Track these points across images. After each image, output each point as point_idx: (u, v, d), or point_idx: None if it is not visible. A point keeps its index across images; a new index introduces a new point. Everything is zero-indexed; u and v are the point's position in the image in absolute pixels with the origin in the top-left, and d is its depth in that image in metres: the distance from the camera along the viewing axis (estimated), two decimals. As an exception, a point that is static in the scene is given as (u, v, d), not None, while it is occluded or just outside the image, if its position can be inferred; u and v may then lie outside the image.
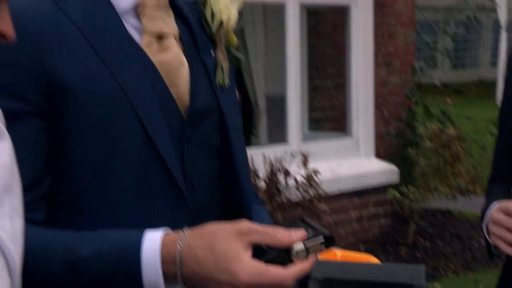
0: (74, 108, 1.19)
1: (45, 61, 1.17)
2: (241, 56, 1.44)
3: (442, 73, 16.37)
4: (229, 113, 1.37)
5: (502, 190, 1.89)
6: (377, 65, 6.61)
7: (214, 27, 1.38)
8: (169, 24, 1.30)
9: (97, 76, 1.20)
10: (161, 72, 1.27)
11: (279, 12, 5.82)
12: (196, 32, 1.36)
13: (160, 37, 1.28)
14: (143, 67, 1.24)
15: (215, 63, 1.37)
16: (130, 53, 1.24)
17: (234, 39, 1.41)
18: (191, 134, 1.31)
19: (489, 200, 1.84)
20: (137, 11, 1.27)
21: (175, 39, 1.31)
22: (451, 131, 6.12)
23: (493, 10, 11.95)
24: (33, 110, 1.18)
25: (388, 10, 6.88)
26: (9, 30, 0.94)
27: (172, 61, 1.28)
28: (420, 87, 6.91)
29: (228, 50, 1.40)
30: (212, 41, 1.38)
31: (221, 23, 1.38)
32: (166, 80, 1.27)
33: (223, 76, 1.37)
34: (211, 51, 1.37)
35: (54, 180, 1.22)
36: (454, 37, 7.62)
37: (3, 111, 0.99)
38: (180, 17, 1.35)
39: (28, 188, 1.12)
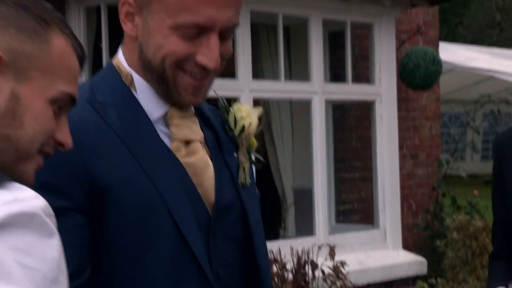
0: (114, 205, 1.32)
1: (87, 165, 1.31)
2: (261, 158, 1.57)
3: (472, 164, 16.37)
4: (250, 209, 1.50)
5: (501, 268, 2.03)
6: (403, 157, 6.68)
7: (236, 131, 1.53)
8: (194, 131, 1.44)
9: (134, 176, 1.34)
10: (189, 173, 1.40)
11: (305, 107, 5.97)
12: (220, 136, 1.51)
13: (187, 143, 1.42)
14: (174, 168, 1.38)
15: (238, 164, 1.51)
16: (162, 156, 1.38)
17: (254, 143, 1.55)
18: (216, 229, 1.43)
19: (489, 278, 1.99)
20: (166, 120, 1.42)
21: (200, 143, 1.44)
22: (478, 222, 6.10)
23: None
24: (76, 207, 1.30)
25: (412, 105, 7.01)
26: (68, 140, 1.12)
27: (198, 163, 1.42)
28: (447, 179, 6.94)
29: (249, 152, 1.54)
30: (234, 144, 1.53)
31: (243, 128, 1.52)
32: (193, 180, 1.40)
33: (245, 176, 1.50)
34: (234, 153, 1.52)
35: (94, 268, 1.33)
36: (478, 130, 7.67)
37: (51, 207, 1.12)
38: (206, 122, 1.51)
39: (72, 277, 1.20)
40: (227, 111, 1.53)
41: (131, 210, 1.32)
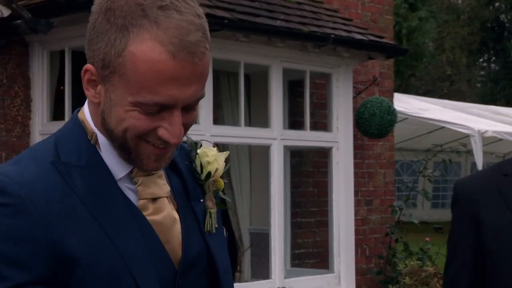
0: (81, 277, 1.27)
1: (53, 236, 1.26)
2: (228, 198, 1.54)
3: (423, 211, 16.53)
4: (217, 255, 1.45)
5: None
6: (358, 203, 6.71)
7: (202, 176, 1.48)
8: (161, 187, 1.40)
9: (99, 245, 1.29)
10: (156, 231, 1.36)
11: (264, 152, 5.98)
12: (187, 182, 1.46)
13: (154, 199, 1.38)
14: (140, 228, 1.34)
15: (204, 210, 1.46)
16: (127, 219, 1.34)
17: (221, 184, 1.51)
18: (183, 283, 1.39)
19: None
20: (131, 177, 1.38)
21: (167, 197, 1.41)
22: (430, 268, 6.12)
23: (469, 152, 12.28)
24: (37, 280, 1.24)
25: (368, 152, 7.07)
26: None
27: (164, 221, 1.38)
28: (400, 225, 6.98)
29: (216, 193, 1.50)
30: (201, 188, 1.48)
31: (209, 174, 1.48)
32: (161, 237, 1.36)
33: (211, 223, 1.45)
34: (201, 199, 1.47)
35: None
36: (430, 179, 7.76)
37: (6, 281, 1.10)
38: (173, 168, 1.46)
39: None
40: (195, 151, 1.50)
41: (97, 282, 1.28)
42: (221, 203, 1.51)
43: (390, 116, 6.48)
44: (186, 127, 1.33)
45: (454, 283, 2.09)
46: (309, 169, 6.74)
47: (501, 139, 12.00)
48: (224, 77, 6.37)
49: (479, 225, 2.03)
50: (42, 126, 5.36)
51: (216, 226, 1.47)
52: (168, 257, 1.37)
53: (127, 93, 1.27)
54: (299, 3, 6.16)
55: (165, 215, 1.39)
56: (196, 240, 1.43)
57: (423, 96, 15.04)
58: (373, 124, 6.40)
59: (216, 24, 4.98)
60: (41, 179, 1.29)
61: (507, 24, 27.76)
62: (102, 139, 1.37)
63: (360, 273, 6.43)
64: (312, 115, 6.21)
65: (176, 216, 1.41)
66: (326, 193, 6.28)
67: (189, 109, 1.31)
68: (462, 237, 2.09)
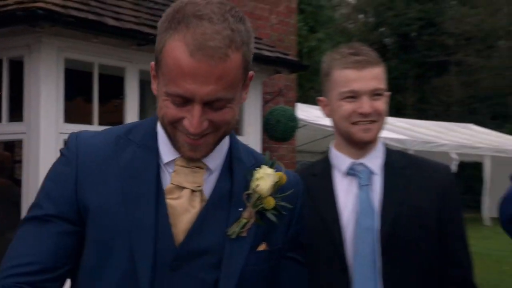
0: (90, 226, 1.39)
1: (79, 189, 1.40)
2: (274, 219, 1.45)
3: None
4: (228, 259, 1.40)
5: None
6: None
7: (249, 189, 1.45)
8: (189, 180, 1.42)
9: (112, 208, 1.38)
10: (169, 213, 1.40)
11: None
12: (238, 189, 1.44)
13: (180, 187, 1.41)
14: (156, 207, 1.39)
15: (239, 218, 1.43)
16: (150, 196, 1.39)
17: (269, 202, 1.45)
18: (181, 265, 1.38)
19: None
20: (174, 164, 1.44)
21: (195, 191, 1.42)
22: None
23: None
24: (63, 217, 1.40)
25: (273, 154, 7.19)
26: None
27: (178, 207, 1.40)
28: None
29: (261, 208, 1.44)
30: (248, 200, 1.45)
31: (253, 188, 1.45)
32: (171, 220, 1.39)
33: (236, 229, 1.41)
34: (241, 207, 1.43)
35: (72, 272, 1.42)
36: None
37: (42, 209, 1.39)
38: (229, 174, 1.46)
39: (45, 271, 1.37)
40: (259, 166, 1.48)
41: (99, 234, 1.37)
42: (261, 220, 1.44)
43: (293, 122, 6.61)
44: (218, 124, 1.35)
45: None
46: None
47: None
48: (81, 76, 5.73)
49: None
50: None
51: (245, 235, 1.42)
52: (171, 236, 1.38)
53: (163, 84, 1.34)
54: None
55: (180, 203, 1.40)
56: (210, 235, 1.40)
57: (321, 106, 15.36)
58: (279, 130, 6.51)
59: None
60: (100, 144, 1.43)
61: (389, 47, 28.81)
62: (160, 128, 1.44)
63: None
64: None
65: (194, 207, 1.41)
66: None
67: (215, 107, 1.33)
68: None
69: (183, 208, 1.41)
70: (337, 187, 1.96)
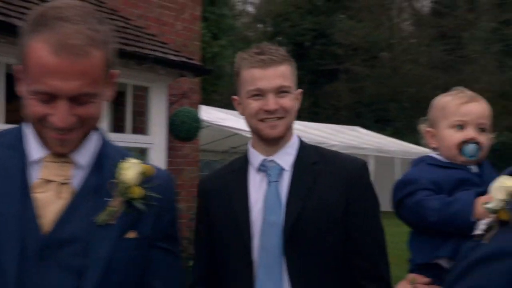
0: None
1: None
2: (141, 207, 1.44)
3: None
4: (94, 245, 1.38)
5: None
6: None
7: (115, 180, 1.44)
8: (57, 174, 1.40)
9: None
10: (35, 206, 1.37)
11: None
12: (105, 183, 1.43)
13: (49, 181, 1.39)
14: (22, 200, 1.36)
15: (106, 207, 1.41)
16: (15, 190, 1.37)
17: (136, 192, 1.44)
18: (50, 254, 1.35)
19: None
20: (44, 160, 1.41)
21: (63, 184, 1.40)
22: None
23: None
24: None
25: (178, 153, 7.14)
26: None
27: (44, 198, 1.38)
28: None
29: (130, 200, 1.43)
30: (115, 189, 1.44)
31: (118, 178, 1.44)
32: (38, 211, 1.37)
33: (103, 217, 1.40)
34: (110, 198, 1.42)
35: None
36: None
37: None
38: (98, 168, 1.45)
39: None
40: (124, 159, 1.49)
41: None
42: (129, 208, 1.43)
43: (197, 123, 6.61)
44: (84, 118, 1.36)
45: (193, 270, 2.00)
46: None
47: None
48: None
49: (209, 217, 1.95)
50: None
51: (111, 222, 1.40)
52: (37, 227, 1.36)
53: (27, 84, 1.33)
54: (123, 27, 6.08)
55: (47, 195, 1.39)
56: (78, 224, 1.39)
57: (223, 108, 15.45)
58: (183, 130, 6.48)
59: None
60: None
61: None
62: (29, 127, 1.42)
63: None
64: (133, 120, 6.15)
65: (62, 199, 1.40)
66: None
67: (81, 102, 1.34)
68: (198, 226, 2.00)
69: (50, 200, 1.40)
70: (250, 183, 1.93)
